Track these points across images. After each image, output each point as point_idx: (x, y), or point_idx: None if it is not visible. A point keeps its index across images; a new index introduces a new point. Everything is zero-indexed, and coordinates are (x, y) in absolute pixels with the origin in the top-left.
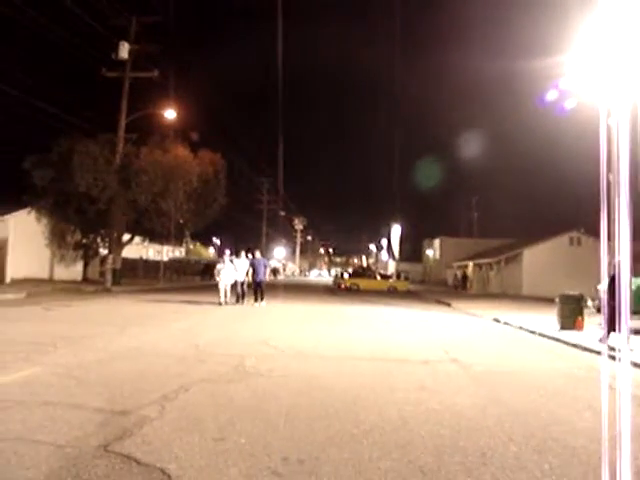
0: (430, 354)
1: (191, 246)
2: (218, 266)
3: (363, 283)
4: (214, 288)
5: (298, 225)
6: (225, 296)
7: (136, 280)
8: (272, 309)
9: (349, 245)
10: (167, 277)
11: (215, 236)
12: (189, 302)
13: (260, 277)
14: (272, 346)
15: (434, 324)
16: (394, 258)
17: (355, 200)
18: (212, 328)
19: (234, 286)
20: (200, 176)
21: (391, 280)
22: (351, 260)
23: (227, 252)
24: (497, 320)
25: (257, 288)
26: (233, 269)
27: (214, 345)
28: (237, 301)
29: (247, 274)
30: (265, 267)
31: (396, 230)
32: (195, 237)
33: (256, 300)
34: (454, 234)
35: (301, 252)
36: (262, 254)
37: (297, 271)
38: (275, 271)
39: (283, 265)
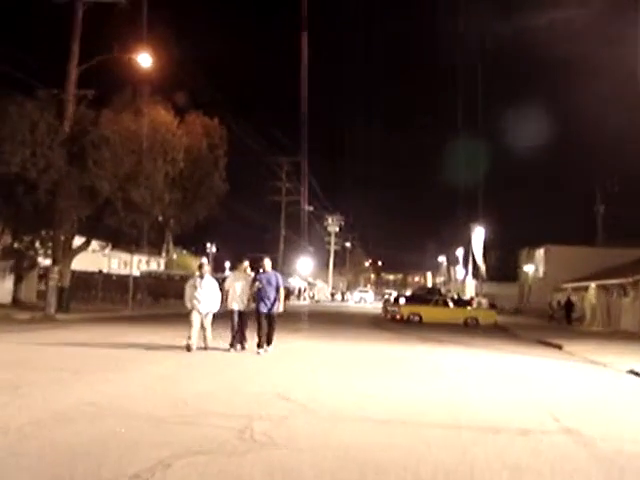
0: (531, 421)
1: (174, 255)
2: (188, 285)
3: (428, 312)
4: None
5: (332, 226)
6: (204, 337)
7: (93, 304)
8: (288, 351)
9: (407, 257)
10: (138, 300)
11: (210, 242)
12: (170, 336)
13: (268, 305)
14: (292, 401)
15: (535, 376)
16: (476, 276)
17: (416, 193)
18: (204, 374)
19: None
20: (189, 152)
21: (470, 308)
22: (409, 278)
23: (204, 261)
24: (635, 373)
25: (261, 323)
26: (215, 290)
27: (208, 400)
28: (231, 345)
29: (249, 299)
30: (277, 287)
31: (479, 235)
32: (181, 243)
33: (260, 344)
34: (567, 241)
35: (336, 266)
36: (275, 266)
37: (329, 292)
38: (291, 293)
39: (308, 284)
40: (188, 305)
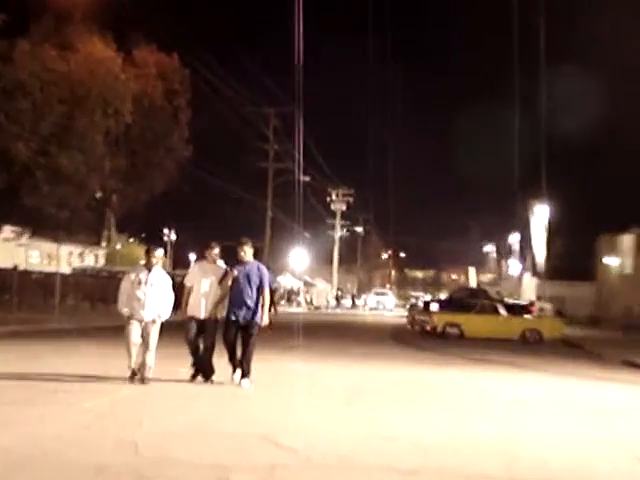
0: (615, 474)
1: (118, 245)
2: (126, 280)
3: (470, 322)
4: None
5: (337, 203)
6: (143, 362)
7: (5, 310)
8: (276, 377)
9: (441, 247)
10: (70, 307)
11: (168, 226)
12: (112, 358)
13: (244, 312)
14: (283, 446)
15: (622, 411)
16: (536, 272)
17: (454, 160)
18: (160, 410)
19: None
20: (139, 102)
21: (529, 317)
22: (444, 276)
23: (159, 253)
24: None
25: (230, 339)
26: (167, 288)
27: (166, 443)
28: (194, 375)
29: (217, 303)
30: (260, 286)
31: (541, 217)
32: (128, 228)
33: (234, 369)
34: None
35: (342, 260)
36: (259, 255)
37: (333, 295)
38: (281, 297)
39: (305, 285)
40: (124, 310)
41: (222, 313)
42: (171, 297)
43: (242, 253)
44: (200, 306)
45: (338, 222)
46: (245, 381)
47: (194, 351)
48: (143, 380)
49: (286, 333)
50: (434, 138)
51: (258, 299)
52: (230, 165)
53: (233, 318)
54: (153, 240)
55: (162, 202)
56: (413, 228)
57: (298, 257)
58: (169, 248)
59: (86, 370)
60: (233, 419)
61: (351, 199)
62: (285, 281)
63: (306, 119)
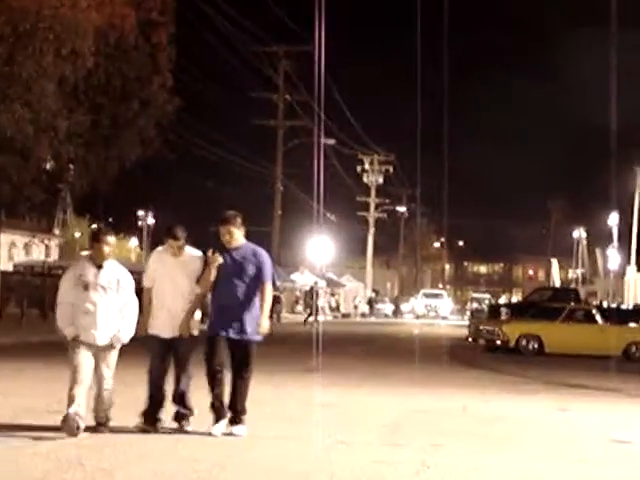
0: None
1: (77, 233)
2: (66, 281)
3: (554, 334)
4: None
5: (373, 174)
6: (99, 399)
7: None
8: (290, 411)
9: (513, 233)
10: (10, 316)
11: (144, 208)
12: (55, 392)
13: (236, 323)
14: None
15: None
16: None
17: (530, 119)
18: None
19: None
20: (104, 38)
21: (635, 326)
22: (518, 271)
23: (113, 238)
24: None
25: (215, 364)
26: (129, 296)
27: None
28: (145, 417)
29: (191, 312)
30: (258, 281)
31: None
32: (89, 210)
33: (219, 413)
34: None
35: (379, 250)
36: (264, 244)
37: (365, 298)
38: (296, 300)
39: (328, 285)
40: (66, 330)
41: (198, 327)
42: (135, 307)
43: (226, 236)
44: (164, 319)
45: (373, 200)
46: (239, 428)
47: (156, 390)
48: (102, 424)
49: (302, 350)
50: (504, 89)
51: (256, 299)
52: (228, 124)
53: (220, 332)
54: (124, 226)
55: (137, 175)
56: (475, 208)
57: (319, 247)
58: (145, 237)
59: (29, 400)
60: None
61: (391, 169)
62: (301, 280)
63: (331, 63)
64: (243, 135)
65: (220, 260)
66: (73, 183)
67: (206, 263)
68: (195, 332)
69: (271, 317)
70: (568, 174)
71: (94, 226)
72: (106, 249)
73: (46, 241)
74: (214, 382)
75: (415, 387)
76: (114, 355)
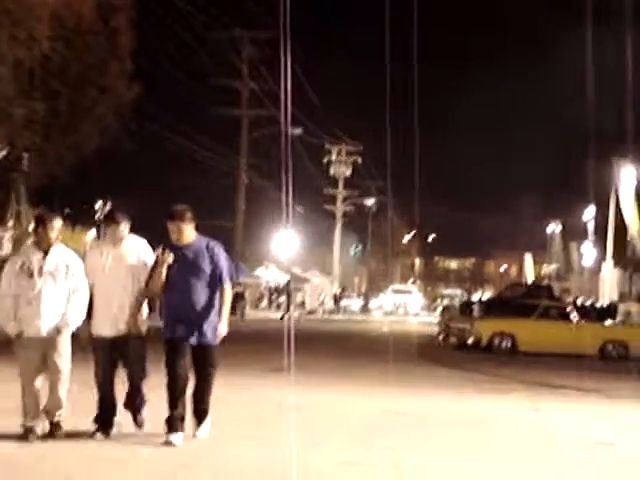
0: None
1: (32, 226)
2: (8, 269)
3: (528, 331)
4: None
5: (340, 165)
6: (54, 397)
7: None
8: (257, 413)
9: (484, 226)
10: None
11: (103, 198)
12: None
13: (195, 326)
14: None
15: None
16: (621, 260)
17: (505, 106)
18: None
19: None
20: (60, 20)
21: (611, 323)
22: (490, 266)
23: (59, 222)
24: None
25: (177, 367)
26: (79, 282)
27: None
28: (97, 423)
29: (137, 308)
30: (216, 278)
31: (629, 183)
32: (45, 201)
33: (172, 422)
34: None
35: (346, 248)
36: (229, 243)
37: (330, 294)
38: (259, 297)
39: (294, 281)
40: (8, 327)
41: (146, 324)
42: (85, 294)
43: (175, 234)
44: (106, 318)
45: (341, 192)
46: (203, 429)
47: (103, 390)
48: (53, 430)
49: (267, 349)
50: (477, 74)
51: (214, 299)
52: (191, 113)
53: (177, 334)
54: (82, 218)
55: (95, 165)
56: (446, 202)
57: (285, 242)
58: (102, 228)
59: None
60: None
61: (359, 159)
62: (266, 275)
63: (298, 49)
64: (207, 124)
65: (170, 260)
66: (28, 173)
67: (155, 263)
68: (143, 329)
69: (234, 314)
70: (543, 166)
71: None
72: (52, 233)
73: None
74: (174, 386)
75: (387, 387)
76: (65, 343)
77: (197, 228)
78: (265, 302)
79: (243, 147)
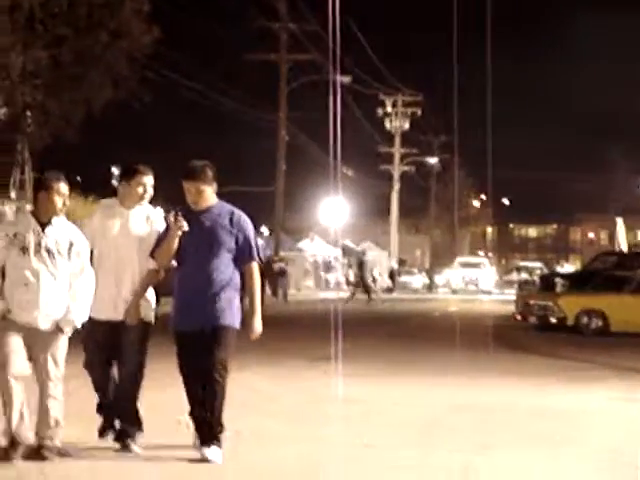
0: None
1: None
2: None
3: (622, 309)
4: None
5: (397, 118)
6: (44, 408)
7: None
8: (301, 406)
9: (568, 187)
10: None
11: (120, 165)
12: None
13: (203, 310)
14: None
15: None
16: None
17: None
18: None
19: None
20: None
21: None
22: (575, 233)
23: (65, 187)
24: None
25: (188, 368)
26: (79, 261)
27: None
28: (103, 429)
29: (142, 291)
30: (240, 254)
31: None
32: (52, 167)
33: (200, 431)
34: None
35: (406, 212)
36: (264, 214)
37: (388, 269)
38: (312, 273)
39: (345, 255)
40: None
41: (150, 313)
42: (91, 280)
43: (194, 196)
44: (107, 298)
45: (398, 150)
46: (214, 451)
47: (100, 386)
48: (42, 452)
49: (313, 334)
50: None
51: (234, 280)
52: (219, 60)
53: (185, 326)
54: (96, 185)
55: (109, 124)
56: (523, 159)
57: (333, 209)
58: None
59: None
60: None
61: (419, 111)
62: (312, 248)
63: None
64: (238, 74)
65: (185, 226)
66: (31, 134)
67: (166, 230)
68: (148, 318)
69: (275, 294)
70: (635, 115)
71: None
72: (58, 200)
73: (0, 206)
74: (192, 386)
75: (453, 377)
76: (62, 346)
77: (222, 195)
78: (311, 280)
79: (282, 98)
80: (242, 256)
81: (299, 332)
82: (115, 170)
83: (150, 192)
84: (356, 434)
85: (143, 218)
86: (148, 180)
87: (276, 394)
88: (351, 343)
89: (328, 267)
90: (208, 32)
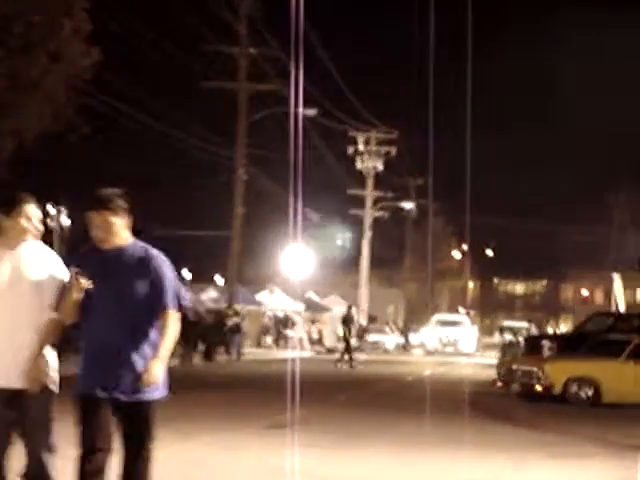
0: None
1: None
2: None
3: (616, 378)
4: None
5: (369, 157)
6: None
7: None
8: None
9: (559, 240)
10: None
11: (55, 202)
12: None
13: (118, 375)
14: None
15: None
16: None
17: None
18: None
19: None
20: None
21: None
22: (567, 291)
23: (38, 212)
24: None
25: (94, 440)
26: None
27: None
28: None
29: (40, 348)
30: (156, 304)
31: None
32: None
33: None
34: None
35: (378, 262)
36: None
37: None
38: (264, 331)
39: (308, 310)
40: None
41: (54, 376)
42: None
43: (101, 231)
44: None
45: (370, 193)
46: None
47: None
48: None
49: (270, 398)
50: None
51: (151, 335)
52: (170, 88)
53: (97, 392)
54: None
55: (44, 156)
56: (508, 207)
57: (296, 257)
58: (56, 240)
59: None
60: None
61: (393, 150)
62: (272, 301)
63: (312, 8)
64: (191, 104)
65: (87, 284)
66: None
67: (66, 286)
68: (51, 385)
69: (229, 352)
70: (635, 159)
71: None
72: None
73: None
74: (91, 471)
75: (426, 451)
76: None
77: (140, 234)
78: (270, 337)
79: (241, 132)
80: (157, 303)
81: (253, 396)
82: (51, 209)
83: (40, 227)
84: None
85: (38, 258)
86: (33, 211)
87: (224, 468)
88: (310, 410)
89: (289, 323)
90: (159, 55)
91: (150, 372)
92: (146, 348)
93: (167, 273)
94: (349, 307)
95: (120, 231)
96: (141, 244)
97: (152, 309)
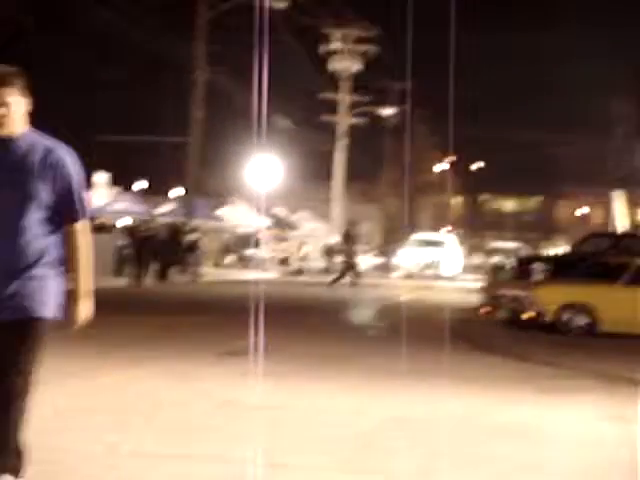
0: None
1: None
2: None
3: (614, 303)
4: None
5: (343, 56)
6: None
7: None
8: (202, 418)
9: (550, 155)
10: None
11: None
12: None
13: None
14: None
15: None
16: None
17: None
18: None
19: None
20: None
21: None
22: (563, 209)
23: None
24: None
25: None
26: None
27: None
28: None
29: None
30: (61, 208)
31: None
32: None
33: None
34: None
35: (355, 174)
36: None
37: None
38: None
39: (275, 226)
40: None
41: None
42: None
43: None
44: None
45: (345, 96)
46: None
47: None
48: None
49: (228, 323)
50: None
51: (51, 250)
52: None
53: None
54: None
55: None
56: (499, 115)
57: (262, 168)
58: None
59: None
60: None
61: (372, 49)
62: (234, 216)
63: None
64: None
65: None
66: None
67: None
68: None
69: (185, 272)
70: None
71: None
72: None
73: None
74: None
75: (398, 384)
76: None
77: (124, 146)
78: (231, 256)
79: (201, 27)
80: (65, 210)
81: (210, 320)
82: None
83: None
84: (265, 450)
85: None
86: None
87: (171, 399)
88: (273, 335)
89: (252, 241)
90: None
91: (74, 314)
92: (41, 265)
93: (74, 174)
94: (352, 223)
95: (17, 116)
96: (44, 138)
97: (53, 217)
